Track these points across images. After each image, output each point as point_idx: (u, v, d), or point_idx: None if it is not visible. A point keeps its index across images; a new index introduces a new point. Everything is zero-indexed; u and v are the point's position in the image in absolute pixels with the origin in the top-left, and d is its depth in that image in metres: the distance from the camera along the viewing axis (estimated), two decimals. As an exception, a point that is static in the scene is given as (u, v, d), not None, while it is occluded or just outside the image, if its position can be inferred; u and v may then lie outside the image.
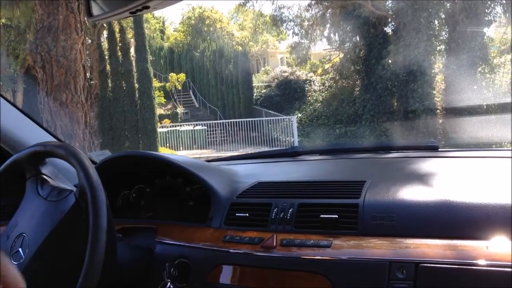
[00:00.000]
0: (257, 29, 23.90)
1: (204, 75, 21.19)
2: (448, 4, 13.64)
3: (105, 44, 13.70)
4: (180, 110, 19.74)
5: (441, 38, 14.31)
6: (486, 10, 13.33)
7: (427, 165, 1.49)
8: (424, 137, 12.15)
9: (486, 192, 1.09)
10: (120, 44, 13.46)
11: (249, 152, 7.71)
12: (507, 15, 13.37)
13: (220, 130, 16.31)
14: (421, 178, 1.26)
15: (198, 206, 1.41)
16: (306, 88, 17.86)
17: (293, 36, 19.12)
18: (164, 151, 12.74)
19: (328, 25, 17.08)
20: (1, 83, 13.09)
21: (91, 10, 0.92)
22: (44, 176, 1.19)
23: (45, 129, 1.87)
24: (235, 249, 1.17)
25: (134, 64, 13.77)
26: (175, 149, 14.70)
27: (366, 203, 1.14)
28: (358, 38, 15.28)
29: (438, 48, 14.25)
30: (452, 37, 13.37)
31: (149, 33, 20.95)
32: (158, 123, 14.45)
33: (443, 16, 13.81)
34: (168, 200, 1.48)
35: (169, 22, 34.61)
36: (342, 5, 15.21)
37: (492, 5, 13.48)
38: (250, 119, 15.55)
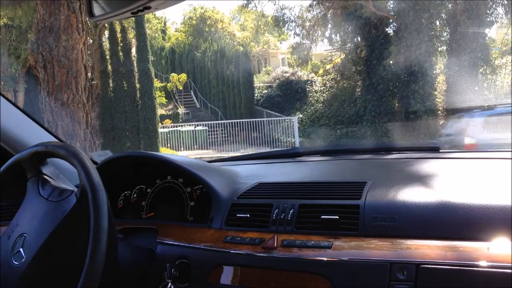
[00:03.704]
0: (258, 30, 23.91)
1: (205, 76, 21.22)
2: (449, 5, 13.64)
3: (106, 44, 13.73)
4: (181, 110, 19.76)
5: (443, 39, 14.32)
6: (488, 11, 13.33)
7: (428, 166, 1.49)
8: (425, 138, 12.14)
9: (487, 193, 1.09)
10: (121, 44, 13.48)
11: (250, 152, 7.71)
12: (509, 16, 13.37)
13: (221, 130, 16.32)
14: (422, 179, 1.26)
15: (199, 207, 1.41)
16: (307, 89, 17.89)
17: (294, 37, 19.19)
18: (165, 152, 12.74)
19: (329, 26, 17.12)
20: (3, 83, 13.12)
21: (92, 10, 0.92)
22: (45, 177, 1.19)
23: (46, 129, 1.87)
24: (236, 249, 1.17)
25: (135, 64, 13.79)
26: (176, 150, 14.72)
27: (367, 204, 1.14)
28: (359, 39, 15.29)
29: (439, 49, 14.26)
30: (454, 38, 13.37)
31: (150, 33, 20.96)
32: (159, 123, 14.47)
33: (444, 16, 13.81)
34: (169, 201, 1.48)
35: (170, 22, 34.69)
36: (344, 5, 15.22)
37: (494, 6, 13.48)
38: (251, 120, 15.57)
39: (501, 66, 13.67)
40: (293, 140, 14.59)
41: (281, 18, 18.55)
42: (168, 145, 15.01)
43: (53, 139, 1.88)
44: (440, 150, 1.65)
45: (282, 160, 1.89)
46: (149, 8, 0.78)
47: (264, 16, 21.60)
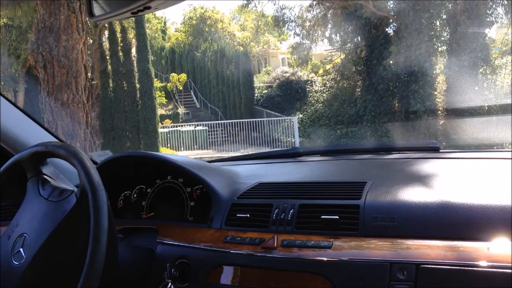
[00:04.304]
0: (258, 30, 23.91)
1: (205, 76, 21.21)
2: (449, 5, 13.64)
3: (106, 44, 13.72)
4: (181, 110, 19.76)
5: (443, 39, 14.33)
6: (488, 11, 13.33)
7: (428, 166, 1.49)
8: (425, 138, 12.15)
9: (487, 193, 1.09)
10: (121, 44, 13.48)
11: (250, 152, 7.70)
12: (509, 16, 13.37)
13: (221, 130, 16.32)
14: (422, 179, 1.26)
15: (199, 207, 1.41)
16: (307, 89, 17.88)
17: (294, 37, 19.20)
18: (165, 152, 12.74)
19: (329, 26, 17.12)
20: (3, 83, 13.12)
21: (92, 10, 0.92)
22: (45, 177, 1.19)
23: (46, 129, 1.87)
24: (236, 249, 1.17)
25: (135, 64, 13.79)
26: (176, 150, 14.71)
27: (367, 204, 1.13)
28: (359, 39, 15.29)
29: (439, 49, 14.26)
30: (454, 38, 13.37)
31: (150, 33, 20.96)
32: (159, 123, 14.46)
33: (444, 17, 13.81)
34: (169, 201, 1.48)
35: (170, 22, 34.68)
36: (344, 5, 15.22)
37: (494, 6, 13.48)
38: (251, 120, 15.57)
39: (501, 66, 13.67)
40: (293, 140, 14.59)
41: (281, 18, 18.56)
42: (168, 145, 15.00)
43: (53, 139, 1.88)
44: (440, 150, 1.65)
45: (282, 160, 1.89)
46: (149, 8, 0.78)
47: (264, 16, 21.61)
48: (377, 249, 1.03)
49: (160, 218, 1.47)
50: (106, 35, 13.84)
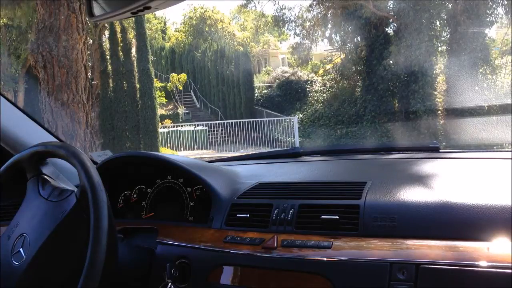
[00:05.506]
0: (258, 30, 23.91)
1: (205, 76, 21.22)
2: (449, 5, 13.65)
3: (106, 44, 13.73)
4: (181, 110, 19.76)
5: (443, 39, 14.33)
6: (488, 11, 13.34)
7: (428, 166, 1.49)
8: (425, 138, 12.15)
9: (487, 193, 1.09)
10: (121, 44, 13.49)
11: (250, 152, 7.70)
12: (509, 16, 13.37)
13: (221, 130, 16.33)
14: (422, 179, 1.26)
15: (199, 207, 1.41)
16: (307, 89, 17.89)
17: (294, 37, 19.22)
18: (165, 152, 12.74)
19: (329, 26, 17.14)
20: (3, 83, 13.13)
21: (92, 10, 0.92)
22: (45, 177, 1.19)
23: (46, 129, 1.87)
24: (236, 249, 1.17)
25: (135, 64, 13.80)
26: (176, 150, 14.72)
27: (367, 204, 1.13)
28: (359, 39, 15.30)
29: (439, 49, 14.27)
30: (454, 38, 13.38)
31: (150, 33, 20.98)
32: (159, 123, 14.47)
33: (444, 16, 13.82)
34: (169, 201, 1.48)
35: (170, 22, 34.72)
36: (344, 5, 15.23)
37: (494, 6, 13.49)
38: (251, 120, 15.57)
39: (501, 66, 13.67)
40: (293, 140, 14.59)
41: (281, 18, 18.57)
42: (168, 145, 15.01)
43: (53, 139, 1.88)
44: (440, 150, 1.65)
45: (282, 160, 1.89)
46: (149, 8, 0.78)
47: (264, 16, 21.62)
48: (377, 249, 1.03)
49: (160, 218, 1.46)
50: (106, 35, 13.85)
